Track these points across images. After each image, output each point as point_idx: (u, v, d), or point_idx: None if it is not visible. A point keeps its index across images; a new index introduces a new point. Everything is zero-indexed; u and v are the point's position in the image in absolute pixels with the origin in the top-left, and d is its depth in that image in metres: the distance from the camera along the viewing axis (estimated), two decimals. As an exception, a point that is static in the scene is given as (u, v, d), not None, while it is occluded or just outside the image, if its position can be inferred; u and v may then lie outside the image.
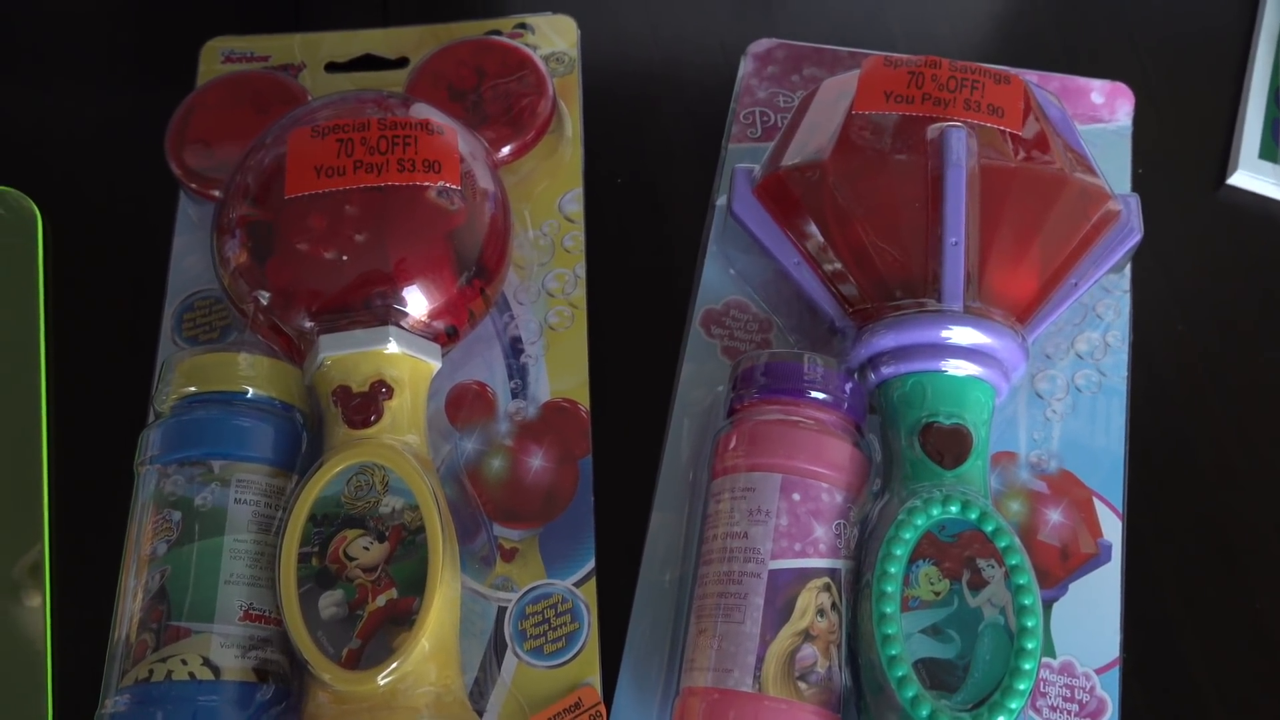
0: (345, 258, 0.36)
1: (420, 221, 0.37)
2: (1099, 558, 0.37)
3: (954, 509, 0.33)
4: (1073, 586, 0.37)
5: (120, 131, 0.46)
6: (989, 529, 0.33)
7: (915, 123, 0.38)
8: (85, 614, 0.37)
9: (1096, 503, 0.38)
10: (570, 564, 0.37)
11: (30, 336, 0.41)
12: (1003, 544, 0.33)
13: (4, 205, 0.43)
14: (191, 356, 0.36)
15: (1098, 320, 0.41)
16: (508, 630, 0.36)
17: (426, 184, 0.37)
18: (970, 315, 0.35)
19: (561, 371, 0.40)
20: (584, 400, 0.40)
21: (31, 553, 0.37)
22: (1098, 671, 0.36)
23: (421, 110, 0.39)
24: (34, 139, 0.46)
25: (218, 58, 0.46)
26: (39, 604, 0.36)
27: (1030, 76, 0.45)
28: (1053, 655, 0.36)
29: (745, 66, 0.46)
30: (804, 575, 0.33)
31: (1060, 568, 0.37)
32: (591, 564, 0.37)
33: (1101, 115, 0.45)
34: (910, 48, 0.48)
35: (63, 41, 0.48)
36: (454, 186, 0.38)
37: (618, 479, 0.39)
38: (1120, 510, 0.38)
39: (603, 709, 0.35)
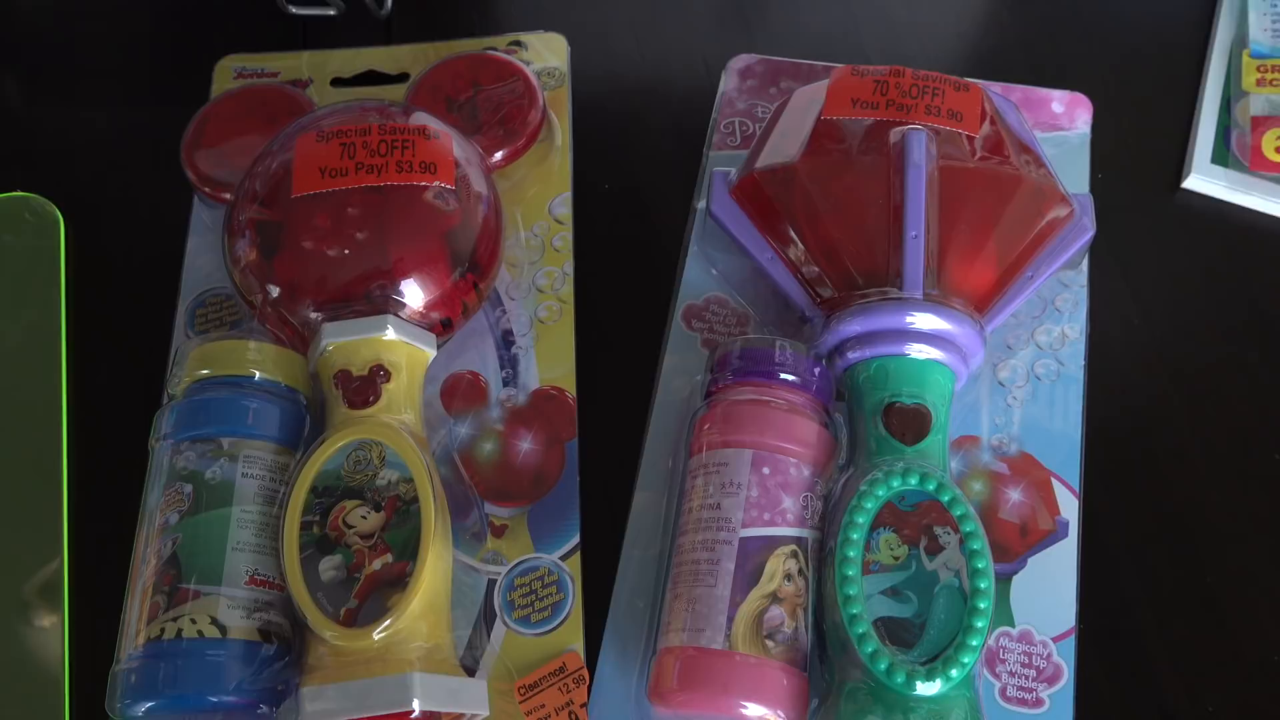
0: (348, 253, 0.39)
1: (418, 221, 0.40)
2: (1057, 534, 0.39)
3: (913, 480, 0.35)
4: (1031, 561, 0.39)
5: (138, 141, 0.49)
6: (945, 499, 0.35)
7: (879, 127, 0.41)
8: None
9: (1055, 483, 0.40)
10: (556, 539, 0.39)
11: (53, 333, 0.44)
12: (958, 513, 0.35)
13: (29, 210, 0.46)
14: (203, 344, 0.39)
15: (1057, 313, 0.44)
16: (497, 601, 0.39)
17: (423, 184, 0.40)
18: (930, 302, 0.38)
19: (550, 362, 0.43)
20: (570, 388, 0.42)
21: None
22: (1054, 640, 0.38)
23: (420, 117, 0.42)
24: (58, 149, 0.49)
25: (230, 74, 0.49)
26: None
27: (994, 88, 0.48)
28: (1011, 624, 0.38)
29: (726, 80, 0.49)
30: (772, 542, 0.35)
31: (1020, 543, 0.39)
32: (576, 539, 0.39)
33: (1062, 124, 0.48)
34: (883, 63, 0.50)
35: (87, 58, 0.51)
36: (449, 188, 0.40)
37: (602, 461, 0.41)
38: (1077, 490, 0.40)
39: (585, 673, 0.38)
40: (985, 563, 0.34)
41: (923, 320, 0.38)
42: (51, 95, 0.51)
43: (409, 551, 0.34)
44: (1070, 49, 0.51)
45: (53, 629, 0.38)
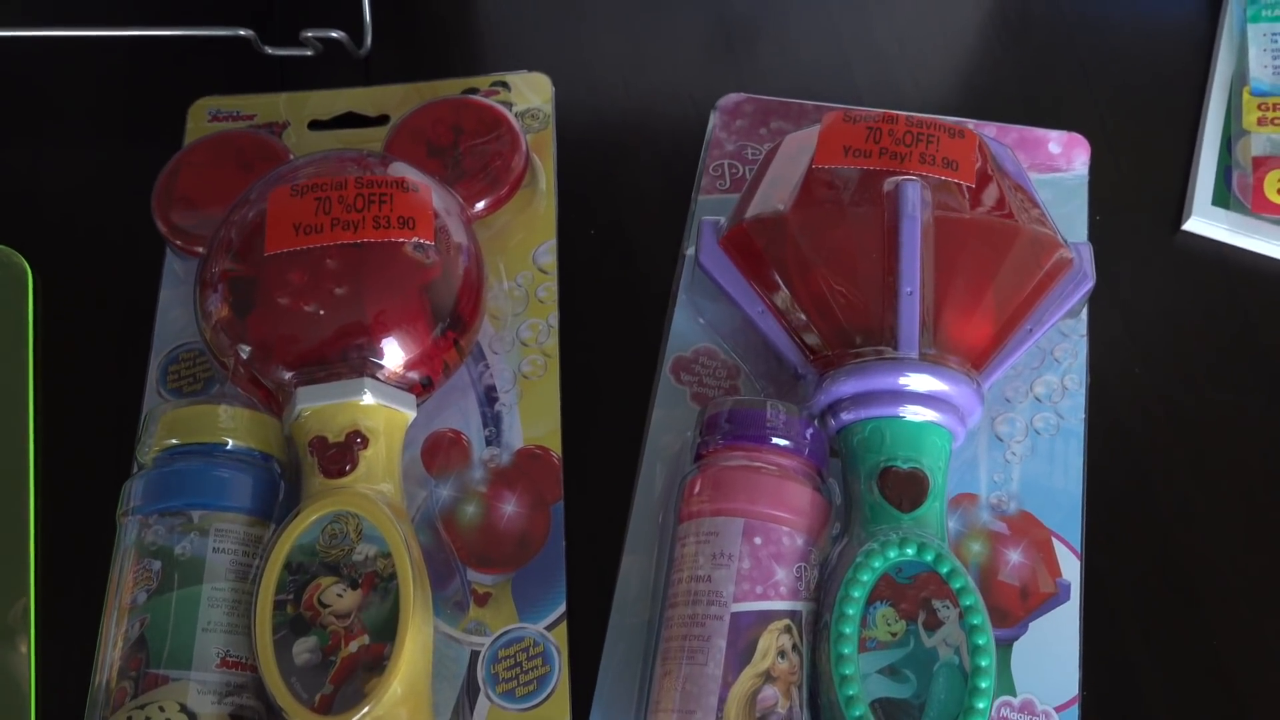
0: (323, 312, 0.38)
1: (396, 275, 0.38)
2: (1058, 597, 0.38)
3: (910, 551, 0.34)
4: (1032, 625, 0.38)
5: (109, 188, 0.48)
6: (944, 570, 0.34)
7: (873, 176, 0.40)
8: (69, 660, 0.37)
9: (1055, 543, 0.39)
10: (542, 608, 0.38)
11: (19, 388, 0.42)
12: (957, 585, 0.34)
13: (-5, 262, 0.45)
14: (173, 409, 0.37)
15: (1055, 364, 0.42)
16: (480, 674, 0.37)
17: (401, 240, 0.38)
18: (926, 362, 0.37)
19: (534, 419, 0.41)
20: (556, 447, 0.41)
21: (19, 604, 0.38)
22: (1057, 709, 0.37)
23: (398, 169, 0.41)
24: (25, 196, 0.48)
25: (205, 116, 0.48)
26: (25, 651, 0.37)
27: (989, 129, 0.47)
28: (1013, 693, 0.37)
29: (714, 120, 0.48)
30: (765, 617, 0.34)
31: (1020, 607, 0.38)
32: (563, 608, 0.38)
33: (1059, 165, 0.47)
34: (875, 101, 0.49)
35: (53, 100, 0.50)
36: (428, 242, 0.39)
37: (589, 523, 0.40)
38: (1079, 550, 0.39)
39: (573, 751, 0.36)
40: (986, 638, 0.33)
41: (919, 382, 0.36)
42: (18, 137, 0.49)
43: (387, 632, 0.33)
44: (1067, 86, 0.50)
45: None
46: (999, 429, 0.41)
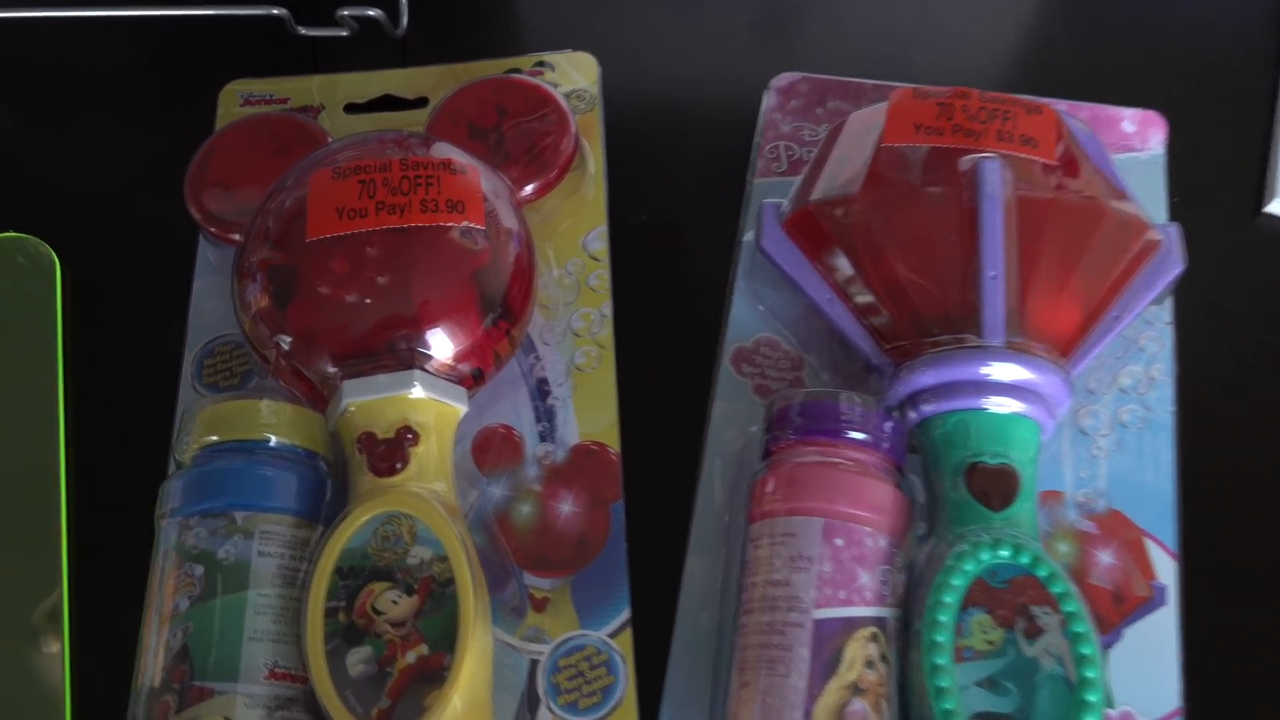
0: (369, 301, 0.35)
1: (444, 262, 0.36)
2: (1154, 601, 0.36)
3: (1005, 553, 0.32)
4: (1128, 632, 0.35)
5: (138, 175, 0.46)
6: (1043, 574, 0.31)
7: (946, 155, 0.38)
8: (106, 665, 0.36)
9: (1148, 543, 0.37)
10: (604, 613, 0.36)
11: (49, 384, 0.40)
12: (1058, 590, 0.31)
13: (21, 252, 0.43)
14: (212, 405, 0.35)
15: (1140, 353, 0.40)
16: (541, 685, 0.35)
17: (450, 225, 0.36)
18: (1012, 350, 0.34)
19: (590, 413, 0.39)
20: (613, 443, 0.39)
21: (50, 598, 0.36)
22: (1157, 721, 0.34)
23: (443, 150, 0.39)
24: (51, 184, 0.46)
25: (236, 100, 0.46)
26: (57, 650, 0.35)
27: (1059, 106, 0.44)
28: (1111, 705, 0.34)
29: (768, 100, 0.46)
30: (850, 624, 0.31)
31: (1114, 612, 0.36)
32: (626, 613, 0.36)
33: (1134, 144, 0.45)
34: (933, 79, 0.47)
35: (80, 85, 0.48)
36: (478, 226, 0.37)
37: (650, 523, 0.38)
38: (1174, 550, 0.37)
39: (641, 767, 0.34)
40: (1092, 648, 0.30)
41: (1006, 371, 0.34)
42: (44, 125, 0.47)
43: (446, 641, 0.31)
44: (1136, 63, 0.48)
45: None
46: (1083, 422, 0.39)
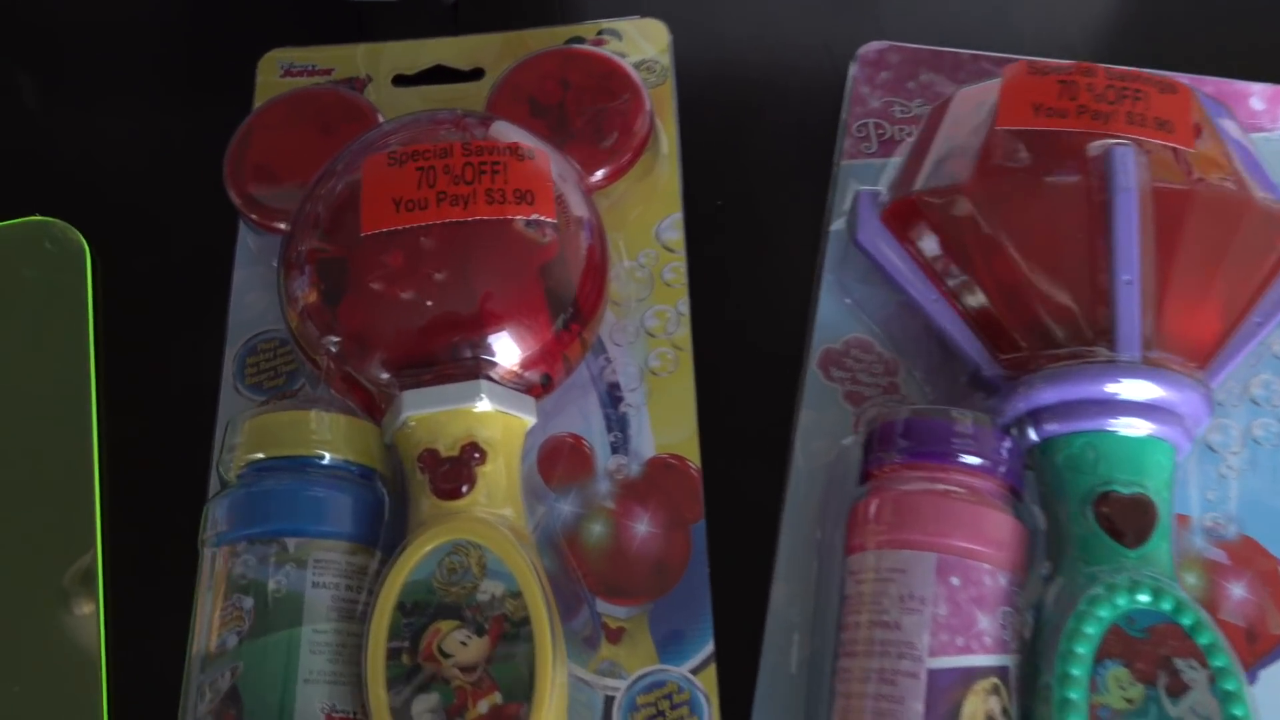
0: (430, 301, 0.32)
1: (509, 256, 0.33)
2: (1293, 640, 0.33)
3: (1144, 598, 0.28)
4: (1264, 675, 0.32)
5: (173, 155, 0.42)
6: (1187, 623, 0.28)
7: (1071, 139, 0.34)
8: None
9: (1285, 575, 0.33)
10: (686, 646, 0.33)
11: (81, 379, 0.38)
12: (1204, 641, 0.28)
13: (49, 238, 0.40)
14: (258, 416, 0.32)
15: (1275, 360, 0.36)
16: (617, 724, 0.32)
17: (517, 217, 0.33)
18: (1149, 365, 0.31)
19: (666, 422, 0.36)
20: (694, 456, 0.35)
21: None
22: (1298, 777, 0.31)
23: (506, 131, 0.35)
24: (79, 164, 0.43)
25: (276, 71, 0.42)
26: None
27: (1184, 81, 0.40)
28: (1253, 761, 0.31)
29: (855, 72, 0.42)
30: (969, 675, 0.28)
31: (1248, 652, 0.32)
32: (710, 647, 0.33)
33: (1263, 123, 0.40)
34: (1038, 50, 0.43)
35: (109, 57, 0.45)
36: (549, 219, 0.33)
37: (732, 545, 0.35)
38: (1314, 583, 0.33)
39: (729, 819, 0.31)
40: (1245, 709, 0.27)
41: (1143, 390, 0.30)
42: (73, 102, 0.44)
43: (521, 689, 0.28)
44: (1263, 33, 0.43)
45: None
46: (1211, 438, 0.35)
